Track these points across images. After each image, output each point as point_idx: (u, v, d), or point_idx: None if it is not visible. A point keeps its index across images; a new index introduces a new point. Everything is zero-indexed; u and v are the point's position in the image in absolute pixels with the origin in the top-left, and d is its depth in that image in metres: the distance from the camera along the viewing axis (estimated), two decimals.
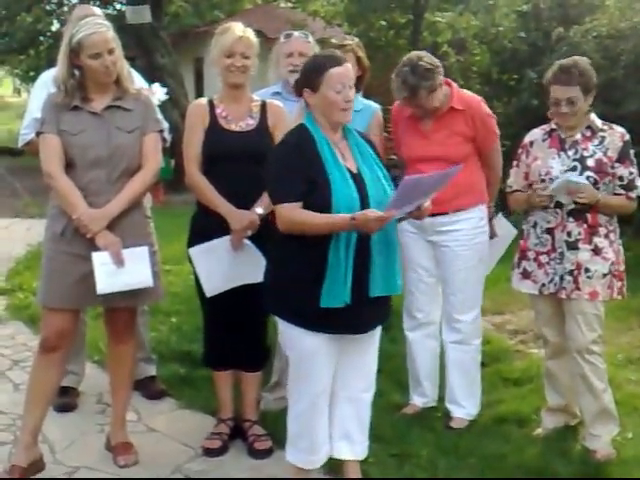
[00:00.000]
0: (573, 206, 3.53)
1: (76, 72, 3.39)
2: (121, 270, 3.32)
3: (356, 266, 2.93)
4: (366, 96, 4.30)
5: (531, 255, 3.71)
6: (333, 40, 4.58)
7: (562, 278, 3.59)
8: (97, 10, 4.08)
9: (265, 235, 3.40)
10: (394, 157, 4.23)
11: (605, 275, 3.56)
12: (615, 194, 3.59)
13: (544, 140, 3.71)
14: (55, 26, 18.51)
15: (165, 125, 3.81)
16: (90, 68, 3.35)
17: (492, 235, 4.04)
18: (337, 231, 2.90)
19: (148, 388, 4.33)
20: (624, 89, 7.57)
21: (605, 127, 3.64)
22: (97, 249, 3.32)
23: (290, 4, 16.84)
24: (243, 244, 3.53)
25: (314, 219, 2.91)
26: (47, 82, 3.89)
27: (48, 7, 18.87)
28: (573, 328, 3.59)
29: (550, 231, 3.62)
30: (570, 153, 3.60)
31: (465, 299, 3.91)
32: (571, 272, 3.56)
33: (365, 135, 3.28)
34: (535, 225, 3.69)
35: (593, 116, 3.65)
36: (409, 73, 3.72)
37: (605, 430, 3.62)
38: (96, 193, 3.36)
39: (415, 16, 11.68)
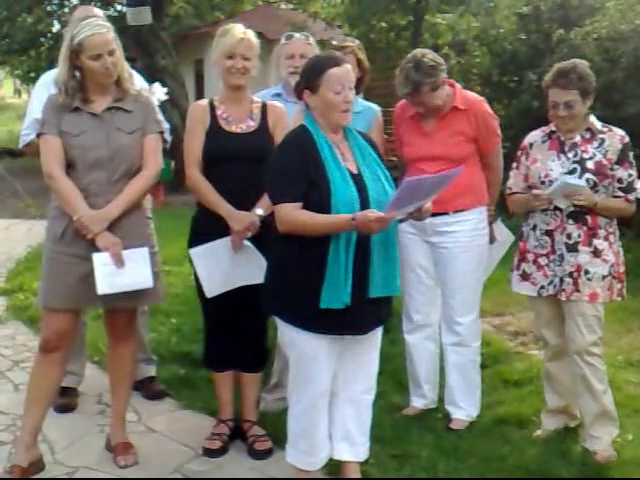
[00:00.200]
0: (572, 208, 3.54)
1: (77, 73, 3.39)
2: (121, 271, 3.33)
3: (355, 267, 2.94)
4: (367, 98, 4.31)
5: (530, 257, 3.71)
6: (333, 42, 4.59)
7: (562, 280, 3.59)
8: (98, 11, 4.09)
9: (265, 236, 3.40)
10: (394, 159, 4.24)
11: (605, 277, 3.56)
12: (614, 196, 3.59)
13: (544, 142, 3.71)
14: (56, 27, 18.50)
15: (166, 126, 3.81)
16: (91, 69, 3.35)
17: (491, 240, 4.04)
18: (337, 231, 2.90)
19: (148, 389, 4.34)
20: (624, 91, 7.57)
21: (605, 129, 3.64)
22: (97, 250, 3.32)
23: (291, 5, 16.84)
24: (243, 245, 3.54)
25: (314, 219, 2.91)
26: (48, 83, 3.90)
27: (49, 8, 18.86)
28: (573, 330, 3.60)
29: (549, 233, 3.63)
30: (570, 155, 3.60)
31: (464, 301, 3.91)
32: (571, 274, 3.56)
33: (366, 135, 3.28)
34: (534, 227, 3.69)
35: (593, 118, 3.66)
36: (412, 69, 3.73)
37: (605, 432, 3.62)
38: (96, 194, 3.36)
39: (416, 18, 11.67)
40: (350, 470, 3.24)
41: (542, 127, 3.78)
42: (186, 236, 3.73)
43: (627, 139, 3.62)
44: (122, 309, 3.53)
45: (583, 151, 3.59)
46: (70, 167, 3.38)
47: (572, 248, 3.56)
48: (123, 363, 3.64)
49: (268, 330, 3.82)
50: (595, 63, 7.14)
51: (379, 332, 3.19)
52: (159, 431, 3.95)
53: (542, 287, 3.66)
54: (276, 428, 3.69)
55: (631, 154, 3.62)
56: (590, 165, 3.55)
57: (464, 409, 3.95)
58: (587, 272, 3.54)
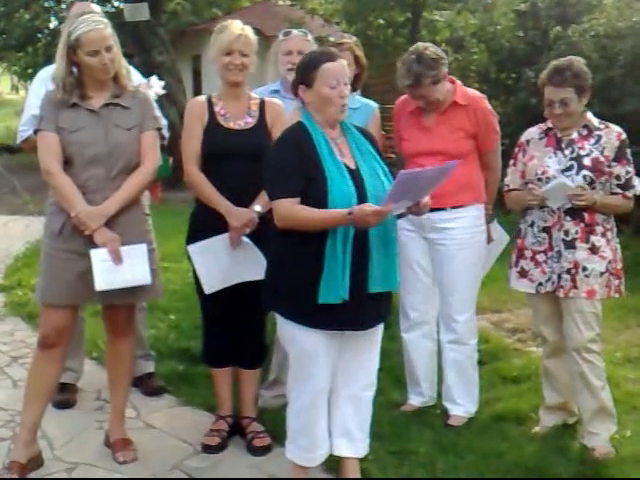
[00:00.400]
0: (569, 205, 3.54)
1: (74, 69, 3.39)
2: (119, 267, 3.32)
3: (354, 262, 2.94)
4: (364, 95, 4.31)
5: (528, 254, 3.71)
6: (331, 38, 4.59)
7: (559, 277, 3.59)
8: (96, 7, 4.08)
9: (264, 233, 3.40)
10: (392, 156, 4.24)
11: (602, 273, 3.57)
12: (612, 193, 3.59)
13: (541, 139, 3.71)
14: (53, 23, 18.49)
15: (163, 122, 3.81)
16: (88, 65, 3.35)
17: (488, 239, 4.04)
18: (335, 226, 2.90)
19: (147, 385, 4.34)
20: (622, 88, 7.58)
21: (602, 126, 3.64)
22: (95, 246, 3.32)
23: (288, 2, 16.82)
24: (242, 242, 3.54)
25: (311, 214, 2.92)
26: (45, 79, 3.89)
27: (46, 4, 18.84)
28: (571, 327, 3.60)
29: (547, 230, 3.63)
30: (566, 152, 3.61)
31: (461, 299, 3.91)
32: (568, 271, 3.57)
33: (365, 130, 3.28)
34: (532, 224, 3.69)
35: (590, 115, 3.66)
36: (415, 61, 3.74)
37: (603, 428, 3.63)
38: (94, 190, 3.36)
39: (413, 14, 11.68)
40: (349, 466, 3.24)
41: (539, 124, 3.78)
42: (184, 233, 3.74)
43: (624, 136, 3.62)
44: (120, 305, 3.53)
45: (580, 148, 3.59)
46: (68, 163, 3.38)
47: (570, 245, 3.57)
48: (122, 359, 3.64)
49: (266, 326, 3.83)
50: (592, 60, 7.16)
51: (380, 329, 3.19)
52: (158, 427, 3.95)
53: (540, 284, 3.67)
54: (275, 424, 3.70)
55: (628, 151, 3.62)
56: (587, 162, 3.56)
57: (462, 406, 3.95)
58: (585, 269, 3.55)
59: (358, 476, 3.26)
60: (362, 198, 2.94)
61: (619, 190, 3.58)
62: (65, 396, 4.15)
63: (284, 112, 3.68)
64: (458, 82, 3.96)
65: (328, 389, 3.14)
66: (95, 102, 3.42)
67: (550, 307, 3.72)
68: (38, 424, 3.53)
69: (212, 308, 3.72)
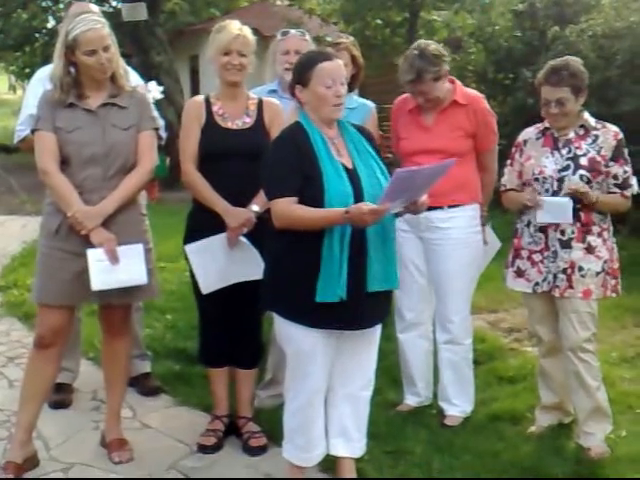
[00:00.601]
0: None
1: (72, 69, 3.39)
2: (116, 267, 3.32)
3: (352, 261, 2.94)
4: (362, 95, 4.31)
5: (525, 254, 3.71)
6: (328, 38, 4.59)
7: (555, 276, 3.60)
8: (94, 7, 4.07)
9: (261, 233, 3.41)
10: (390, 155, 4.24)
11: (598, 273, 3.57)
12: (610, 192, 3.60)
13: (538, 139, 3.71)
14: (51, 23, 18.49)
15: (161, 123, 3.81)
16: (85, 65, 3.35)
17: (484, 241, 4.04)
18: (332, 225, 2.91)
19: (143, 385, 4.34)
20: (619, 88, 7.59)
21: (599, 126, 3.64)
22: (92, 246, 3.32)
23: (286, 2, 16.82)
24: (239, 241, 3.54)
25: (309, 214, 2.92)
26: (43, 79, 3.90)
27: (44, 4, 18.82)
28: (567, 326, 3.60)
29: (543, 230, 3.63)
30: (563, 152, 3.61)
31: (456, 299, 3.91)
32: (564, 270, 3.57)
33: (362, 128, 3.28)
34: (529, 224, 3.69)
35: (587, 115, 3.66)
36: (417, 57, 3.75)
37: (599, 428, 3.63)
38: (91, 190, 3.36)
39: (411, 15, 11.70)
40: (345, 466, 3.24)
41: (536, 124, 3.78)
42: (181, 232, 3.73)
43: (621, 135, 3.62)
44: (117, 305, 3.52)
45: (577, 148, 3.59)
46: (65, 163, 3.38)
47: (566, 244, 3.57)
48: (118, 359, 3.64)
49: (263, 326, 3.83)
50: (590, 60, 7.16)
51: (378, 329, 3.19)
52: (154, 427, 3.95)
53: (537, 284, 3.67)
54: (271, 424, 3.70)
55: (626, 150, 3.62)
56: (584, 162, 3.56)
57: (458, 406, 3.95)
58: (581, 269, 3.55)
59: (354, 476, 3.26)
60: (359, 197, 2.94)
61: (617, 189, 3.58)
62: (61, 396, 4.15)
63: (282, 112, 3.68)
64: (458, 82, 3.97)
65: (325, 389, 3.14)
66: (92, 102, 3.42)
67: (546, 307, 3.73)
68: (34, 424, 3.53)
69: (209, 308, 3.72)
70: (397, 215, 3.10)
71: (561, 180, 3.56)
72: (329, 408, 3.19)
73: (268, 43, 4.16)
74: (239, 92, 3.68)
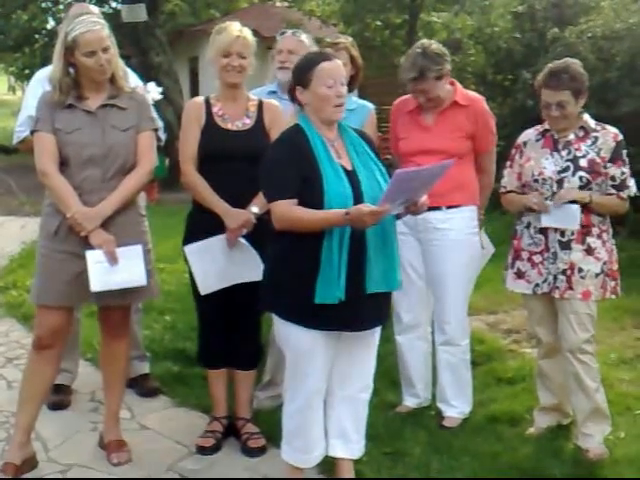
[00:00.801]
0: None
1: (71, 70, 3.39)
2: (115, 268, 3.32)
3: (351, 262, 2.94)
4: (361, 96, 4.31)
5: (525, 255, 3.71)
6: (327, 39, 4.60)
7: (555, 278, 3.60)
8: (94, 8, 4.08)
9: (260, 234, 3.41)
10: (389, 157, 4.24)
11: (598, 275, 3.57)
12: (607, 194, 3.60)
13: (537, 140, 3.72)
14: (50, 24, 18.49)
15: (160, 124, 3.81)
16: (85, 66, 3.35)
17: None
18: (332, 226, 2.91)
19: (141, 386, 4.33)
20: (619, 90, 7.58)
21: (598, 127, 3.64)
22: (91, 247, 3.32)
23: (286, 3, 16.82)
24: (238, 243, 3.54)
25: (309, 215, 2.92)
26: (42, 80, 3.90)
27: (43, 5, 18.82)
28: (566, 328, 3.60)
29: (543, 231, 3.63)
30: (563, 153, 3.61)
31: (453, 300, 3.90)
32: (564, 272, 3.57)
33: (362, 132, 3.28)
34: (528, 225, 3.69)
35: (586, 116, 3.66)
36: (420, 55, 3.76)
37: (597, 429, 3.63)
38: (90, 191, 3.36)
39: (411, 16, 11.70)
40: (344, 468, 3.24)
41: (536, 126, 3.78)
42: (180, 233, 3.73)
43: (620, 137, 3.62)
44: (116, 306, 3.52)
45: (576, 149, 3.59)
46: (64, 164, 3.38)
47: (565, 246, 3.57)
48: (116, 360, 3.64)
49: (262, 328, 3.83)
50: (589, 62, 7.16)
51: (377, 331, 3.19)
52: (152, 428, 3.95)
53: (537, 285, 3.67)
54: (270, 426, 3.70)
55: (624, 152, 3.62)
56: (583, 163, 3.56)
57: (456, 407, 3.95)
58: (580, 270, 3.55)
59: (352, 477, 3.26)
60: (358, 199, 2.94)
61: (614, 191, 3.58)
62: (60, 397, 4.15)
63: (282, 113, 3.68)
64: (457, 84, 3.97)
65: (324, 390, 3.14)
66: (92, 103, 3.42)
67: (545, 308, 3.73)
68: (33, 425, 3.53)
69: (208, 309, 3.72)
70: (397, 217, 3.10)
71: (560, 182, 3.56)
72: (328, 409, 3.19)
73: (268, 44, 4.17)
74: (239, 93, 3.69)
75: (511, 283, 3.80)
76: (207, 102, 3.67)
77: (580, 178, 3.54)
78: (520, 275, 3.73)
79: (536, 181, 3.62)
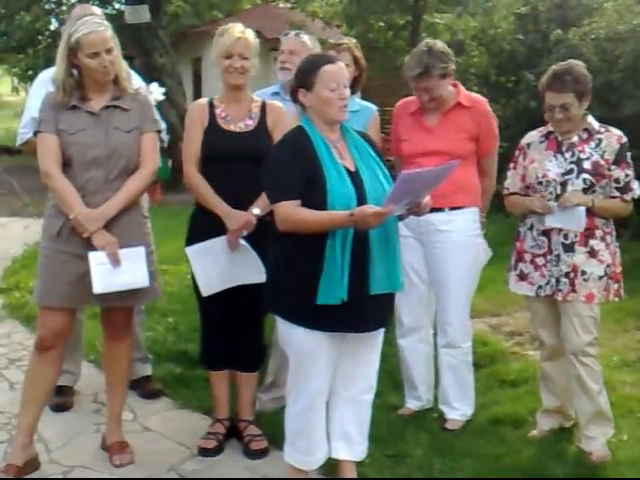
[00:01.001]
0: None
1: (74, 71, 3.39)
2: (118, 270, 3.33)
3: (354, 263, 2.94)
4: (364, 97, 4.31)
5: (527, 257, 3.71)
6: (330, 40, 4.60)
7: (558, 280, 3.59)
8: (96, 9, 4.08)
9: (262, 236, 3.41)
10: (391, 158, 4.24)
11: (601, 277, 3.56)
12: (611, 197, 3.59)
13: (541, 142, 3.71)
14: (54, 25, 18.53)
15: (163, 125, 3.81)
16: (88, 67, 3.35)
17: None
18: (336, 228, 2.91)
19: (144, 388, 4.33)
20: (622, 92, 7.57)
21: (602, 129, 3.64)
22: (94, 249, 3.32)
23: (289, 4, 16.83)
24: (239, 245, 3.54)
25: (312, 216, 2.92)
26: (45, 81, 3.90)
27: (47, 6, 18.87)
28: (569, 330, 3.60)
29: (546, 233, 3.62)
30: (567, 155, 3.60)
31: (455, 302, 3.90)
32: (567, 274, 3.56)
33: (365, 134, 3.28)
34: (531, 227, 3.69)
35: (590, 118, 3.66)
36: (425, 52, 3.77)
37: (600, 432, 3.62)
38: (93, 193, 3.36)
39: (414, 17, 11.70)
40: (346, 469, 3.24)
41: (539, 127, 3.78)
42: (183, 235, 3.74)
43: (624, 139, 3.61)
44: (119, 308, 3.52)
45: (580, 151, 3.59)
46: (67, 165, 3.38)
47: (569, 248, 3.56)
48: (118, 362, 3.64)
49: (264, 329, 3.82)
50: (593, 63, 7.15)
51: (381, 332, 3.18)
52: (155, 430, 3.94)
53: (540, 287, 3.66)
54: (272, 428, 3.69)
55: (628, 154, 3.61)
56: (587, 165, 3.55)
57: (458, 409, 3.95)
58: (584, 273, 3.54)
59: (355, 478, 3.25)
60: (362, 200, 2.94)
61: (618, 193, 3.58)
62: (62, 399, 4.15)
63: (285, 115, 3.68)
64: (460, 86, 3.97)
65: (327, 392, 3.13)
66: (95, 104, 3.42)
67: (548, 310, 3.72)
68: (35, 427, 3.53)
69: (210, 311, 3.72)
70: (400, 218, 3.10)
71: (564, 184, 3.56)
72: (331, 410, 3.18)
73: (271, 46, 4.18)
74: (242, 95, 3.69)
75: (514, 285, 3.80)
76: (210, 104, 3.68)
77: (584, 180, 3.54)
78: (523, 277, 3.73)
79: (540, 183, 3.61)
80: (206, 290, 3.60)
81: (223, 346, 3.74)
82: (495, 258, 4.21)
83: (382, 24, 12.20)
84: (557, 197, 3.56)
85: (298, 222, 2.95)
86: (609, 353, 4.79)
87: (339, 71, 3.04)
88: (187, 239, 3.69)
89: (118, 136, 3.40)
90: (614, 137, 3.61)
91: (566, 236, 3.57)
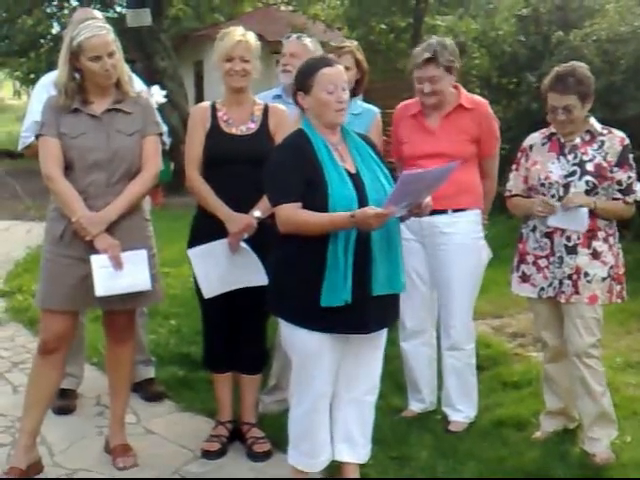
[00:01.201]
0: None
1: (76, 75, 3.39)
2: (120, 273, 3.32)
3: (357, 265, 2.94)
4: (366, 100, 4.31)
5: (530, 259, 3.70)
6: (332, 43, 4.61)
7: (561, 282, 3.58)
8: (97, 13, 4.08)
9: (263, 239, 3.41)
10: (393, 160, 4.24)
11: (604, 279, 3.56)
12: (613, 198, 3.59)
13: (543, 144, 3.71)
14: (56, 29, 18.58)
15: (164, 128, 3.82)
16: (90, 71, 3.35)
17: None
18: (337, 229, 2.91)
19: (147, 390, 4.33)
20: (624, 93, 7.57)
21: (605, 131, 3.63)
22: (96, 252, 3.32)
23: (290, 7, 16.85)
24: (240, 247, 3.54)
25: (314, 218, 2.92)
26: (47, 85, 3.90)
27: (49, 10, 18.91)
28: (572, 332, 3.59)
29: (549, 235, 3.62)
30: (569, 157, 3.60)
31: (459, 304, 3.89)
32: (570, 276, 3.56)
33: (366, 136, 3.28)
34: (534, 229, 3.68)
35: (593, 120, 3.65)
36: (435, 42, 3.81)
37: (604, 434, 3.62)
38: (95, 196, 3.36)
39: (415, 20, 11.71)
40: (350, 471, 3.23)
41: (542, 129, 3.77)
42: (185, 237, 3.74)
43: (627, 141, 3.61)
44: (121, 311, 3.52)
45: (583, 153, 3.58)
46: (69, 169, 3.38)
47: (571, 250, 3.56)
48: (121, 365, 3.64)
49: (267, 332, 3.82)
50: (594, 65, 7.14)
51: (384, 334, 3.18)
52: (158, 433, 3.94)
53: (542, 289, 3.66)
54: (275, 430, 3.69)
55: (631, 156, 3.61)
56: (590, 167, 3.55)
57: (462, 411, 3.94)
58: (587, 274, 3.54)
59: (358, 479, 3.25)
60: (363, 202, 2.94)
61: (620, 195, 3.57)
62: (65, 402, 4.15)
63: (288, 118, 3.67)
64: (462, 88, 3.97)
65: (330, 393, 3.13)
66: (97, 107, 3.42)
67: (551, 312, 3.72)
68: (38, 430, 3.53)
69: (213, 313, 3.72)
70: (401, 219, 3.10)
71: (567, 186, 3.55)
72: (334, 411, 3.18)
73: (272, 48, 4.18)
74: (244, 98, 3.69)
75: (516, 287, 3.79)
76: (213, 107, 3.68)
77: (586, 182, 3.53)
78: (525, 279, 3.72)
79: (542, 185, 3.61)
80: (208, 292, 3.60)
81: (225, 348, 3.74)
82: (497, 260, 4.21)
83: (383, 26, 12.22)
84: (559, 199, 3.56)
85: (299, 224, 2.95)
86: (612, 354, 4.79)
87: (337, 74, 3.05)
88: (189, 242, 3.69)
89: (120, 139, 3.40)
90: (616, 139, 3.60)
91: (569, 238, 3.56)
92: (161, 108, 3.99)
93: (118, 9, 17.92)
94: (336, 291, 2.92)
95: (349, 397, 3.18)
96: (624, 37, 7.89)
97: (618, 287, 3.62)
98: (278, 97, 4.07)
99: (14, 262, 7.69)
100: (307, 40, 4.09)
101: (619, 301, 3.66)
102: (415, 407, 4.08)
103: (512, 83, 9.52)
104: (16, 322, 5.78)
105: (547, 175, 3.60)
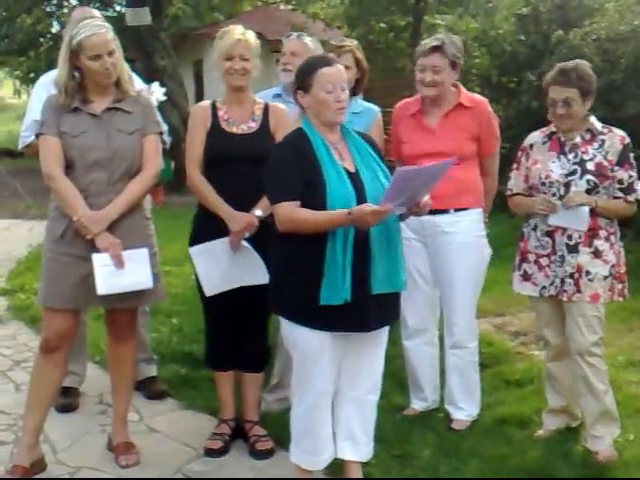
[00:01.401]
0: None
1: (76, 74, 3.39)
2: (121, 272, 3.33)
3: (356, 263, 2.94)
4: (366, 99, 4.31)
5: (531, 257, 3.71)
6: (332, 42, 4.60)
7: (563, 281, 3.58)
8: (96, 12, 4.08)
9: (264, 237, 3.41)
10: (393, 159, 4.24)
11: (606, 277, 3.56)
12: (614, 197, 3.59)
13: (544, 143, 3.71)
14: (55, 28, 18.57)
15: (165, 127, 3.82)
16: (90, 70, 3.35)
17: None
18: (335, 227, 2.91)
19: (149, 388, 4.34)
20: (624, 92, 7.57)
21: (605, 130, 3.64)
22: (97, 251, 3.32)
23: (290, 6, 16.84)
24: (241, 246, 3.54)
25: (312, 216, 2.93)
26: (47, 84, 3.90)
27: (48, 9, 18.90)
28: (574, 330, 3.59)
29: (550, 234, 3.62)
30: (570, 156, 3.60)
31: (461, 302, 3.90)
32: (572, 275, 3.56)
33: (366, 135, 3.29)
34: (535, 228, 3.69)
35: (593, 119, 3.65)
36: (444, 36, 3.86)
37: (606, 432, 3.62)
38: (96, 195, 3.36)
39: (415, 19, 11.68)
40: (352, 470, 3.24)
41: (542, 128, 3.77)
42: (186, 236, 3.75)
43: (627, 140, 3.61)
44: (123, 309, 3.53)
45: (583, 152, 3.59)
46: (69, 167, 3.38)
47: (573, 249, 3.56)
48: (123, 363, 3.64)
49: (269, 330, 3.83)
50: (594, 64, 7.11)
51: (385, 332, 3.19)
52: (160, 431, 3.95)
53: (544, 287, 3.66)
54: (277, 428, 3.70)
55: (631, 155, 3.61)
56: (590, 166, 3.55)
57: (464, 410, 3.94)
58: (588, 273, 3.54)
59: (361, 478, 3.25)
60: (362, 201, 2.94)
61: (621, 194, 3.57)
62: (67, 400, 4.15)
63: (288, 117, 3.68)
64: (461, 87, 3.97)
65: (332, 391, 3.14)
66: (97, 106, 3.42)
67: (553, 310, 3.72)
68: (41, 428, 3.53)
69: (214, 311, 3.72)
70: (401, 218, 3.10)
71: (568, 185, 3.55)
72: (336, 410, 3.19)
73: (272, 47, 4.18)
74: (244, 97, 3.69)
75: (518, 285, 3.79)
76: (213, 106, 3.68)
77: (587, 181, 3.53)
78: (526, 277, 3.73)
79: (543, 184, 3.61)
80: (209, 290, 3.61)
81: (227, 347, 3.75)
82: (499, 258, 4.21)
83: (383, 25, 12.18)
84: (560, 198, 3.56)
85: (297, 222, 2.96)
86: (615, 353, 4.79)
87: (336, 73, 3.05)
88: (190, 241, 3.69)
89: (120, 138, 3.40)
90: (617, 138, 3.61)
91: (570, 237, 3.56)
92: (161, 107, 3.99)
93: (117, 8, 17.92)
94: (335, 289, 2.92)
95: (351, 396, 3.18)
96: (624, 36, 7.89)
97: (620, 285, 3.62)
98: (278, 96, 4.07)
99: (16, 260, 7.71)
100: (307, 39, 4.09)
101: (621, 299, 3.66)
102: (417, 405, 4.08)
103: (512, 82, 9.52)
104: (18, 320, 5.80)
105: (548, 174, 3.60)
